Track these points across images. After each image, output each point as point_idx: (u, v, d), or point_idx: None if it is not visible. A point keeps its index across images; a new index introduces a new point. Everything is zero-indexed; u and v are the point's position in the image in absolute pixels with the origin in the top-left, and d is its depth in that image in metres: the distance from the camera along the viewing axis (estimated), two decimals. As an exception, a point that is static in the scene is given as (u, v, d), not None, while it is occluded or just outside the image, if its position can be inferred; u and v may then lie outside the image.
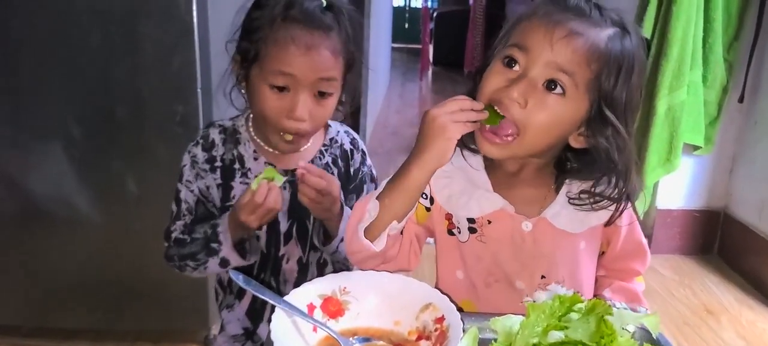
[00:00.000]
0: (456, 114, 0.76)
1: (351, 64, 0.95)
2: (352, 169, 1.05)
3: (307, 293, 0.73)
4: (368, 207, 0.79)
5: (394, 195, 0.79)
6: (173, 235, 0.98)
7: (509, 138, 0.77)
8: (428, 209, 0.90)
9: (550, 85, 0.75)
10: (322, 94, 0.91)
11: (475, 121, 0.76)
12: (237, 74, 0.95)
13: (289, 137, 0.93)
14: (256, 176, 0.92)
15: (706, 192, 2.28)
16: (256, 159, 0.99)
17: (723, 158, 2.23)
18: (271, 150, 0.99)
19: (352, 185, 1.04)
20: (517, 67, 0.77)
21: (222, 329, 1.07)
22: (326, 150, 1.03)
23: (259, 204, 0.87)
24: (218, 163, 0.99)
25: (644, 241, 0.93)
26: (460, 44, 6.62)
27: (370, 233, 0.80)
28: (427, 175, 0.78)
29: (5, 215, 1.46)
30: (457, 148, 0.87)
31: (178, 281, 1.45)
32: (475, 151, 0.88)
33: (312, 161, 1.00)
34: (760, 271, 2.06)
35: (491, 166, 0.87)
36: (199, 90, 1.33)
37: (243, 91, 0.97)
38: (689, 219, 2.29)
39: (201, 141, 0.99)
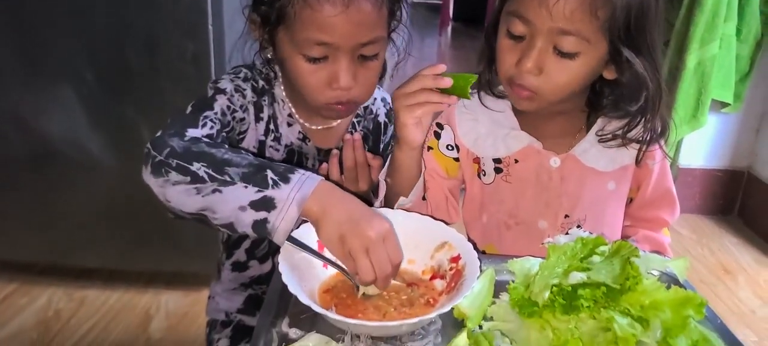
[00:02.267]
0: (412, 96, 0.74)
1: (395, 12, 0.82)
2: (381, 145, 0.96)
3: (318, 229, 0.70)
4: (379, 187, 0.82)
5: (391, 174, 0.81)
6: (189, 132, 0.72)
7: (531, 93, 0.75)
8: (457, 159, 0.88)
9: (560, 50, 0.72)
10: (365, 58, 0.79)
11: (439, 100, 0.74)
12: (259, 40, 0.82)
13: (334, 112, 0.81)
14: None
15: (730, 151, 2.20)
16: (290, 125, 0.87)
17: (750, 116, 2.14)
18: (306, 124, 0.88)
19: None
20: (522, 35, 0.74)
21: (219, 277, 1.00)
22: (359, 122, 0.93)
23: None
24: (263, 115, 0.85)
25: (674, 189, 0.89)
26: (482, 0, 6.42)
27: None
28: (408, 155, 0.79)
29: (18, 156, 1.45)
30: (479, 93, 0.85)
31: (189, 225, 1.44)
32: (499, 96, 0.85)
33: (343, 137, 0.89)
34: (782, 233, 2.01)
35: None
36: (210, 27, 1.28)
37: (269, 56, 0.84)
38: (711, 178, 2.23)
39: (251, 81, 0.84)
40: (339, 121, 0.91)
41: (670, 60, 1.93)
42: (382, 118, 0.96)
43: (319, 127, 0.90)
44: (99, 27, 1.32)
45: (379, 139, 0.96)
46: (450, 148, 0.87)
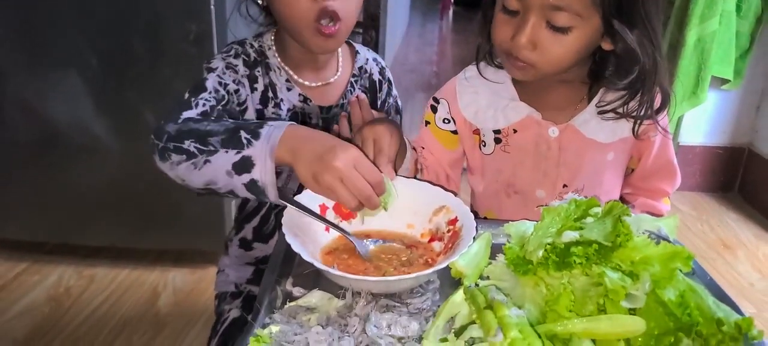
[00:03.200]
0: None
1: None
2: (379, 102, 1.01)
3: (319, 195, 0.72)
4: None
5: None
6: (184, 114, 0.77)
7: (528, 66, 0.76)
8: (455, 132, 0.89)
9: (553, 25, 0.72)
10: None
11: None
12: None
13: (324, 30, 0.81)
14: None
15: (730, 128, 2.22)
16: (289, 89, 0.90)
17: (750, 93, 2.15)
18: (304, 83, 0.91)
19: None
20: (516, 10, 0.74)
21: (226, 252, 1.04)
22: (356, 81, 0.97)
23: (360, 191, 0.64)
24: (258, 86, 0.88)
25: (675, 160, 0.91)
26: (482, -18, 6.40)
27: None
28: None
29: (24, 139, 1.48)
30: (477, 67, 0.86)
31: (195, 204, 1.47)
32: (500, 67, 0.86)
33: (344, 95, 0.94)
34: (781, 208, 2.03)
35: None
36: (212, 7, 1.30)
37: (260, 2, 0.88)
38: (711, 156, 2.24)
39: (242, 56, 0.88)
40: (337, 76, 0.94)
41: (670, 36, 1.94)
42: (376, 76, 1.01)
43: (317, 84, 0.93)
44: (101, 11, 1.34)
45: (375, 96, 1.01)
46: (446, 121, 0.89)
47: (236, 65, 0.87)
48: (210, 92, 0.81)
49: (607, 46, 0.77)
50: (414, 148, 0.91)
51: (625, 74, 0.77)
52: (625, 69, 0.77)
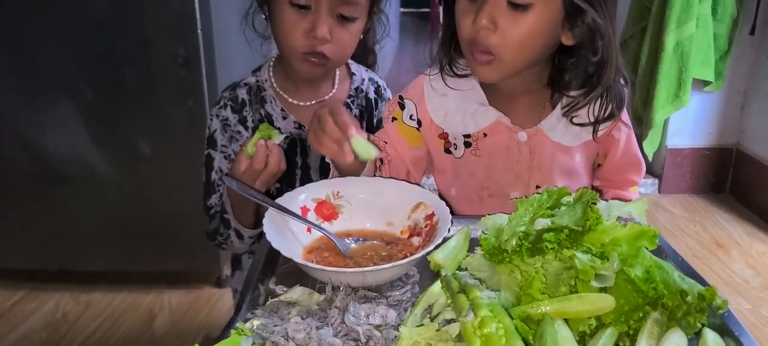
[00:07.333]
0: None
1: None
2: (375, 120, 1.05)
3: (300, 198, 0.75)
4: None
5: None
6: (212, 210, 0.97)
7: (490, 56, 0.76)
8: (418, 129, 0.91)
9: (512, 2, 0.73)
10: (344, 19, 0.87)
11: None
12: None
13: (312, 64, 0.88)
14: (250, 138, 0.85)
15: (717, 129, 2.24)
16: (284, 118, 0.96)
17: (734, 94, 2.18)
18: (298, 103, 0.97)
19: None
20: None
21: (239, 267, 1.08)
22: (352, 101, 1.01)
23: (259, 170, 0.83)
24: (250, 124, 0.96)
25: (640, 154, 0.93)
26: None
27: None
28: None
29: (21, 172, 1.51)
30: (442, 79, 0.87)
31: (190, 226, 1.49)
32: (461, 76, 0.87)
33: None
34: (772, 205, 2.04)
35: (487, 83, 0.87)
36: (199, 31, 1.34)
37: (264, 17, 0.94)
38: (700, 158, 2.27)
39: (229, 103, 0.96)
40: (331, 93, 0.99)
41: (649, 43, 1.98)
42: (372, 95, 1.05)
43: (312, 103, 0.97)
44: (92, 42, 1.38)
45: (371, 115, 1.04)
46: (412, 118, 0.90)
47: (227, 118, 0.96)
48: (218, 172, 0.96)
49: (567, 40, 0.77)
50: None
51: (585, 68, 0.79)
52: (582, 68, 0.79)
